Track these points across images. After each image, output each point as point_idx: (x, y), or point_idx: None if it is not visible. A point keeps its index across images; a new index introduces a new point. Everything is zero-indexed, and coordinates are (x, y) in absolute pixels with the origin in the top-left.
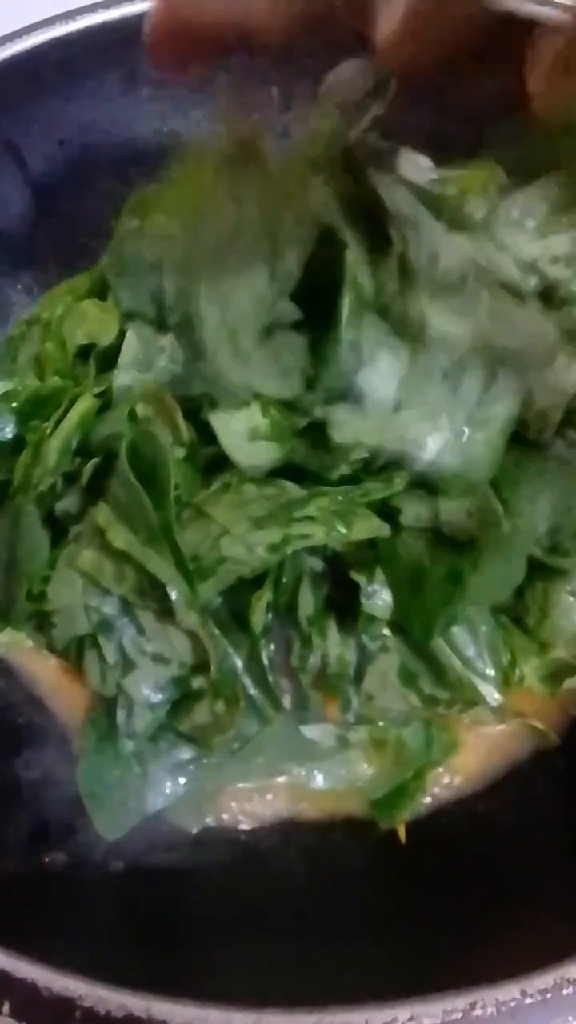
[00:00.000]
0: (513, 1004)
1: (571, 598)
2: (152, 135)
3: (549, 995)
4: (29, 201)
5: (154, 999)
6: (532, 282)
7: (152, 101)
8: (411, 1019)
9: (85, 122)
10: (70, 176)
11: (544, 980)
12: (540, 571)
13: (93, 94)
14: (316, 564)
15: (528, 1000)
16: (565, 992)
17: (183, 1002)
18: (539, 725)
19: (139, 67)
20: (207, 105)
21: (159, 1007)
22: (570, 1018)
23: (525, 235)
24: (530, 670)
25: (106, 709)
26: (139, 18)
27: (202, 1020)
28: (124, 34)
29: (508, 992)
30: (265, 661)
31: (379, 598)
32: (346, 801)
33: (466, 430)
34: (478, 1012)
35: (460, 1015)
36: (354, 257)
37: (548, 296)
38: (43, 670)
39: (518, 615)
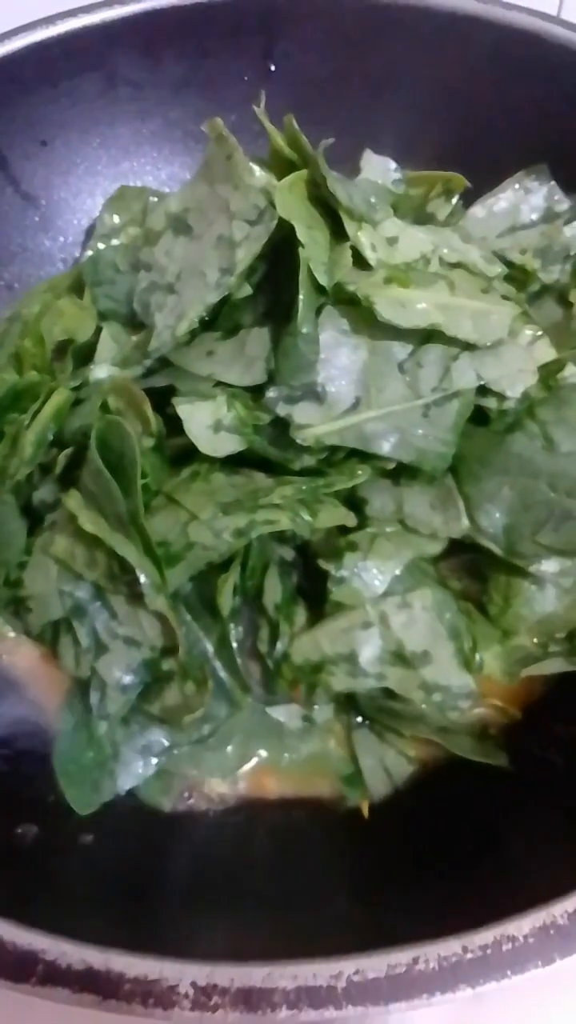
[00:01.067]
0: (454, 960)
1: (533, 587)
2: (131, 135)
3: (489, 951)
4: (11, 199)
5: (112, 952)
6: (496, 269)
7: (131, 102)
8: (356, 972)
9: (66, 123)
10: (51, 175)
11: (484, 937)
12: (503, 562)
13: (73, 95)
14: (286, 553)
15: (469, 956)
16: (504, 949)
17: (139, 955)
18: (501, 704)
19: (118, 69)
20: (185, 105)
21: (117, 960)
22: (509, 972)
23: (493, 229)
24: (491, 656)
25: (80, 692)
26: (118, 22)
27: (157, 972)
28: (103, 37)
29: (449, 948)
30: (234, 645)
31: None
32: (311, 782)
33: (421, 425)
34: (420, 967)
35: (404, 969)
36: (309, 254)
37: (516, 281)
38: (20, 654)
39: (482, 603)
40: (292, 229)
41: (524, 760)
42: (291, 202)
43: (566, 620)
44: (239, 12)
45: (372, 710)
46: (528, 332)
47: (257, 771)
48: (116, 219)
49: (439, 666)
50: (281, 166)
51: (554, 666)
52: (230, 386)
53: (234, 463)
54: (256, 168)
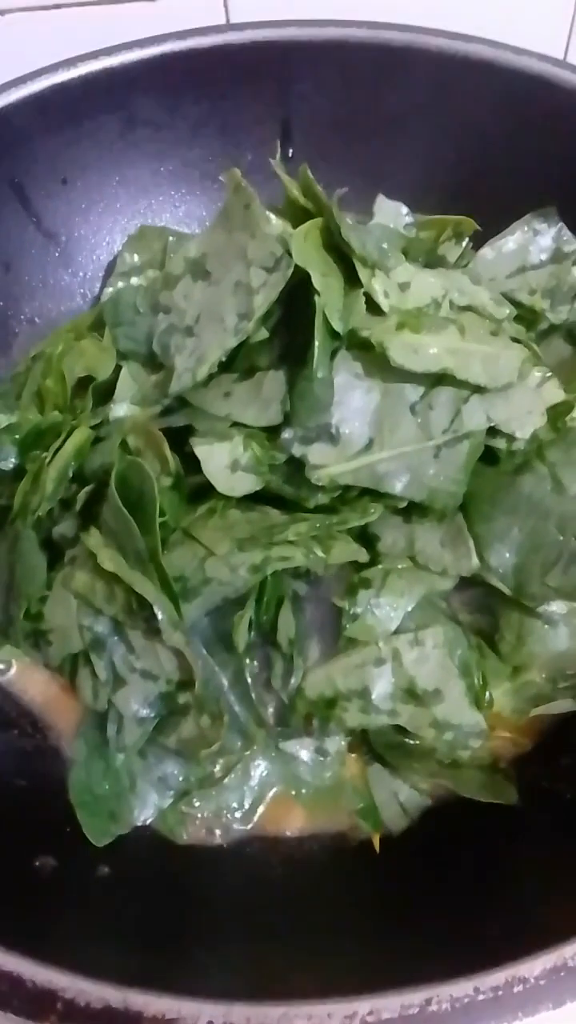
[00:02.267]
0: (467, 1000)
1: (546, 626)
2: (150, 175)
3: (500, 992)
4: (32, 236)
5: (130, 991)
6: (505, 311)
7: (150, 142)
8: (370, 1013)
9: (86, 162)
10: (71, 212)
11: (496, 978)
12: (514, 600)
13: (94, 136)
14: (300, 588)
15: (481, 997)
16: (516, 990)
17: (157, 994)
18: (511, 735)
19: (138, 110)
20: (203, 146)
21: (135, 998)
22: (520, 1014)
23: (502, 270)
24: (500, 694)
25: (98, 724)
26: (137, 64)
27: (175, 1011)
28: (123, 79)
29: (462, 989)
30: (249, 679)
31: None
32: (326, 815)
33: (432, 465)
34: (433, 1007)
35: (417, 1010)
36: (324, 301)
37: (525, 320)
38: (37, 685)
39: (492, 638)
40: (307, 275)
41: (533, 794)
42: (306, 250)
43: None
44: (256, 55)
45: (382, 747)
46: (537, 374)
47: (273, 803)
48: (136, 258)
49: (450, 704)
50: (296, 214)
51: (563, 706)
52: (246, 426)
53: (250, 500)
54: (272, 216)
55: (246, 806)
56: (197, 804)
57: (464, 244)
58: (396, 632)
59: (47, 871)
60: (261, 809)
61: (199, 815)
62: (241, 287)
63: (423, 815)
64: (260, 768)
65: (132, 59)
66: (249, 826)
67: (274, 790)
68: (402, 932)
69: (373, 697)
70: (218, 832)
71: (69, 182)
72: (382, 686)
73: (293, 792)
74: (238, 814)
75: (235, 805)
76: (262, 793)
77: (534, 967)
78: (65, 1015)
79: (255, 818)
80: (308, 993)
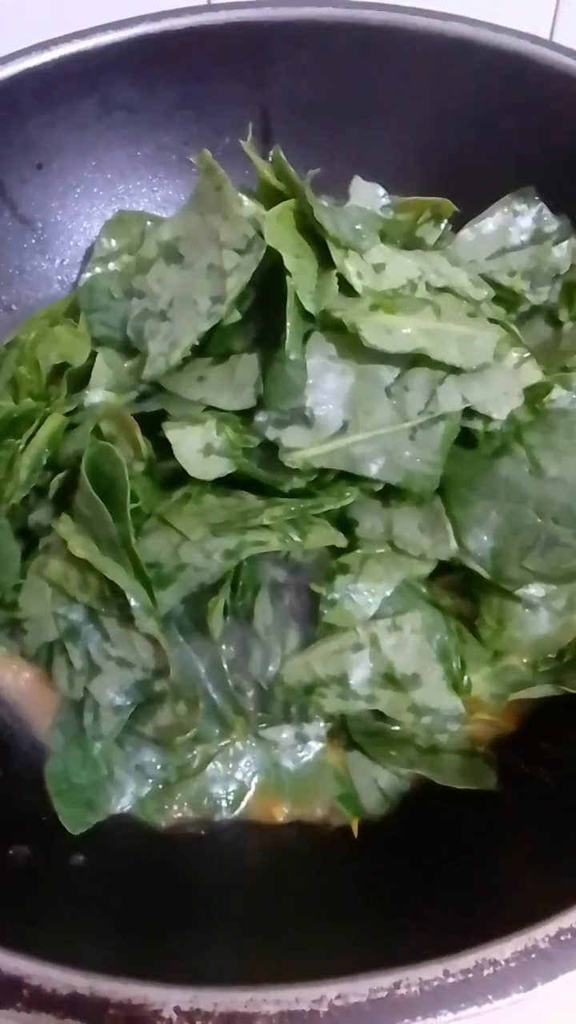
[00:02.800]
0: (436, 984)
1: (527, 611)
2: (126, 159)
3: (471, 975)
4: (8, 222)
5: (97, 978)
6: (484, 293)
7: (126, 126)
8: (338, 997)
9: (62, 146)
10: (47, 198)
11: (466, 961)
12: (494, 584)
13: (69, 120)
14: (278, 574)
15: (451, 980)
16: (486, 973)
17: (123, 980)
18: (491, 717)
19: (113, 94)
20: (180, 129)
21: (101, 985)
22: (490, 997)
23: (482, 252)
24: (479, 678)
25: (74, 713)
26: (112, 47)
27: (141, 997)
28: (97, 62)
29: (432, 972)
30: (226, 666)
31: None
32: (306, 801)
33: (408, 447)
34: (402, 991)
35: (385, 994)
36: (296, 281)
37: (505, 303)
38: (13, 675)
39: (473, 622)
40: (280, 257)
41: (513, 779)
42: (279, 231)
43: (557, 642)
44: (231, 36)
45: (360, 735)
46: (515, 355)
47: (254, 790)
48: (113, 243)
49: (428, 689)
50: (269, 196)
51: (542, 691)
52: (220, 410)
53: (226, 485)
54: (245, 199)
55: (228, 794)
56: (179, 795)
57: (443, 226)
58: (374, 618)
59: (21, 860)
60: (243, 797)
61: (181, 803)
62: (214, 270)
63: (401, 802)
64: (241, 755)
65: (106, 41)
66: (232, 814)
67: (255, 777)
68: (374, 916)
69: (351, 683)
70: (198, 820)
71: (45, 167)
72: (360, 672)
73: (274, 779)
74: (221, 802)
75: (217, 793)
76: (243, 780)
77: (505, 949)
78: (31, 1002)
79: (237, 806)
80: (276, 978)
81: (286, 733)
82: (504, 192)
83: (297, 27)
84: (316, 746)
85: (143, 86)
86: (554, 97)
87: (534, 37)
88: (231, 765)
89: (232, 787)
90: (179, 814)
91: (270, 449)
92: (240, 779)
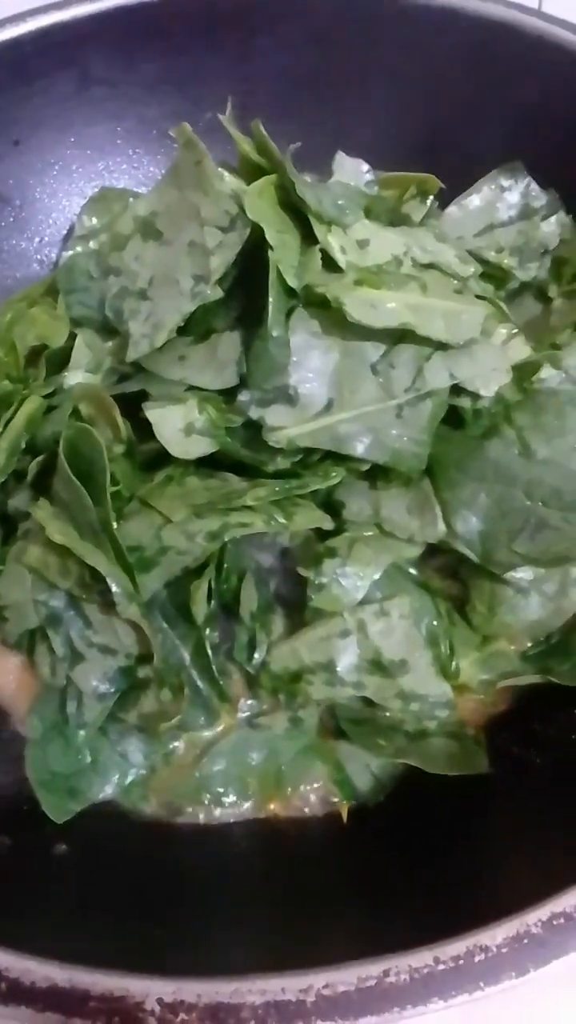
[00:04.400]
0: (426, 971)
1: (518, 595)
2: (107, 135)
3: (461, 962)
4: None
5: (77, 969)
6: (471, 269)
7: (105, 100)
8: (326, 986)
9: (39, 122)
10: (25, 175)
11: (457, 947)
12: (484, 568)
13: (46, 94)
14: (264, 559)
15: (441, 967)
16: (477, 959)
17: (104, 972)
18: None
19: (91, 67)
20: (161, 104)
21: (82, 977)
22: (482, 984)
23: (470, 228)
24: (468, 664)
25: (53, 700)
26: (91, 19)
27: (123, 989)
28: (76, 34)
29: (422, 959)
30: (210, 652)
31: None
32: (297, 788)
33: (395, 426)
34: (392, 979)
35: (374, 982)
36: (278, 256)
37: (494, 279)
38: None
39: (463, 604)
40: (262, 233)
41: (504, 761)
42: (261, 206)
43: (549, 628)
44: (214, 8)
45: (348, 723)
46: (503, 331)
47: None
48: (95, 221)
49: (416, 674)
50: (250, 171)
51: (528, 679)
52: (202, 390)
53: (209, 467)
54: (225, 174)
55: (227, 785)
56: (169, 782)
57: (429, 202)
58: (362, 603)
59: (2, 850)
60: (241, 787)
61: (167, 791)
62: (196, 248)
63: (395, 782)
64: (235, 744)
65: (84, 13)
66: (234, 807)
67: (246, 764)
68: (363, 903)
69: (339, 669)
70: (184, 808)
71: (22, 143)
72: (348, 658)
73: (271, 766)
74: (221, 795)
75: (215, 785)
76: (237, 770)
77: (496, 935)
78: (9, 995)
79: (238, 798)
80: (262, 967)
81: (280, 719)
82: (492, 167)
83: None
84: (310, 731)
85: (123, 59)
86: (543, 69)
87: (522, 7)
88: (221, 751)
89: (231, 778)
90: (165, 804)
91: (253, 428)
92: (234, 769)
